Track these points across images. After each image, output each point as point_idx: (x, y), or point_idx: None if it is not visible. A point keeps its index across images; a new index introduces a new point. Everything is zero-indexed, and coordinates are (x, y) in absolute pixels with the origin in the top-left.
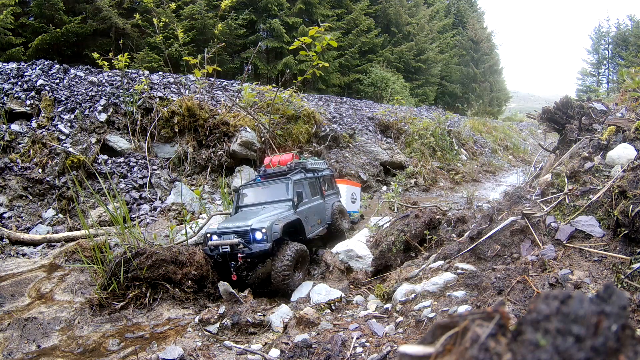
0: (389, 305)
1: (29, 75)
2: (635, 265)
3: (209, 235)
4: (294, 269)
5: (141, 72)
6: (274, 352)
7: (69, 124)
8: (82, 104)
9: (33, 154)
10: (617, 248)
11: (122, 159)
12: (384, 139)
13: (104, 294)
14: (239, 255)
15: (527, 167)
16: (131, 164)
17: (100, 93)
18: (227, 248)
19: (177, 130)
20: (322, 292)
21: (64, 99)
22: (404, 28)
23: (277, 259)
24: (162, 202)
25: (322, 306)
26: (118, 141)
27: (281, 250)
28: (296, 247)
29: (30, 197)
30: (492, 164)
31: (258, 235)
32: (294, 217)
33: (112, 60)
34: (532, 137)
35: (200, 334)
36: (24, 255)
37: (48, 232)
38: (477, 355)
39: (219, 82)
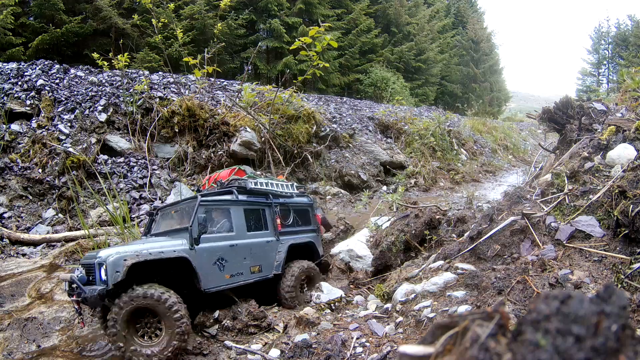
0: (389, 305)
1: (29, 75)
2: (635, 265)
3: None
4: (134, 331)
5: (141, 72)
6: (274, 352)
7: (69, 124)
8: (82, 104)
9: (33, 154)
10: (617, 248)
11: (122, 159)
12: (384, 139)
13: None
14: (74, 298)
15: (527, 167)
16: (131, 164)
17: (100, 93)
18: (66, 286)
19: (177, 130)
20: (322, 291)
21: (64, 99)
22: (404, 28)
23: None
24: (162, 202)
25: (322, 306)
26: (118, 141)
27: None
28: (131, 297)
29: (30, 197)
30: (492, 164)
31: (103, 274)
32: (174, 254)
33: (112, 60)
34: (532, 137)
35: (199, 334)
36: (24, 255)
37: (48, 232)
38: (477, 355)
39: (219, 82)
